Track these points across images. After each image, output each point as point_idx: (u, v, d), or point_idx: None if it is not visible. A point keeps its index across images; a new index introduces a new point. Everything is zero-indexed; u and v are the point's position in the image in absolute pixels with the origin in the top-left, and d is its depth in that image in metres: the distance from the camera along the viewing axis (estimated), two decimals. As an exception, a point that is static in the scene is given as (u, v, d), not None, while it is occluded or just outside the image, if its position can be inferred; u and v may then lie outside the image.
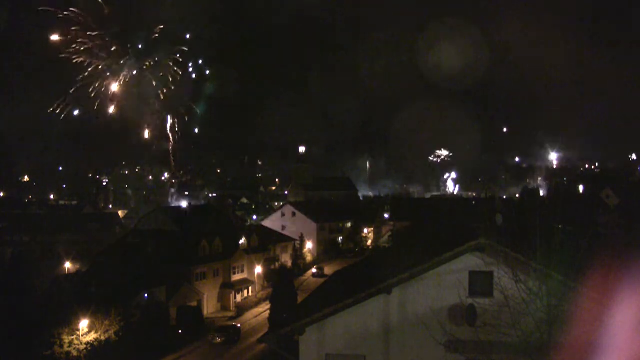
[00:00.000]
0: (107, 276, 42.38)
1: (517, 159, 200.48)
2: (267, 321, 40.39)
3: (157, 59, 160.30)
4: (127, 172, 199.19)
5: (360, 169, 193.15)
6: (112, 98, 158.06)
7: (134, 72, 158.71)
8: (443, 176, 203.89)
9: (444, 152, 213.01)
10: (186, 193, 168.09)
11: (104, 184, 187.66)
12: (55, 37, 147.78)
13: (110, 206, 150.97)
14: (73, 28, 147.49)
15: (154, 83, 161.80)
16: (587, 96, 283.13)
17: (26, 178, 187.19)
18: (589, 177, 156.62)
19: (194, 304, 47.70)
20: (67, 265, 64.02)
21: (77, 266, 61.65)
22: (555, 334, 12.94)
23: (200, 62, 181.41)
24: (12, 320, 31.76)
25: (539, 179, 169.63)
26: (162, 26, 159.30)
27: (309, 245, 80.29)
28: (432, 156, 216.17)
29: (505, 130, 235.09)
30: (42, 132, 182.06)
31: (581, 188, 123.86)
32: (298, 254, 73.84)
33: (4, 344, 30.12)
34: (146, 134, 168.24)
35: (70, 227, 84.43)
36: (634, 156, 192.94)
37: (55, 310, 34.83)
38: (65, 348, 32.60)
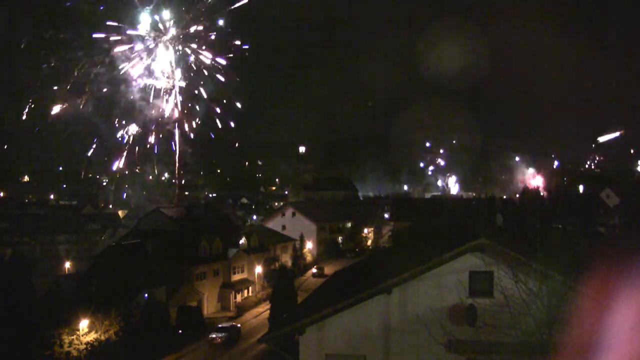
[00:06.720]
0: (107, 276, 42.32)
1: (517, 159, 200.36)
2: (267, 321, 40.33)
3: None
4: (126, 172, 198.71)
5: (360, 168, 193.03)
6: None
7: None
8: (443, 176, 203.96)
9: (443, 152, 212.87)
10: (186, 193, 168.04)
11: (104, 184, 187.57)
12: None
13: (110, 206, 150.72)
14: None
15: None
16: (587, 96, 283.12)
17: (26, 178, 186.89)
18: (589, 177, 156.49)
19: (194, 304, 47.67)
20: (67, 265, 64.10)
21: (77, 266, 61.73)
22: (555, 334, 12.91)
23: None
24: (12, 320, 31.76)
25: (539, 178, 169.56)
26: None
27: (309, 245, 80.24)
28: (433, 156, 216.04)
29: (505, 129, 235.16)
30: (43, 131, 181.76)
31: (581, 188, 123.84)
32: (298, 254, 73.81)
33: (4, 344, 30.10)
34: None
35: (70, 227, 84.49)
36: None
37: (55, 310, 34.83)
38: (65, 348, 32.58)
